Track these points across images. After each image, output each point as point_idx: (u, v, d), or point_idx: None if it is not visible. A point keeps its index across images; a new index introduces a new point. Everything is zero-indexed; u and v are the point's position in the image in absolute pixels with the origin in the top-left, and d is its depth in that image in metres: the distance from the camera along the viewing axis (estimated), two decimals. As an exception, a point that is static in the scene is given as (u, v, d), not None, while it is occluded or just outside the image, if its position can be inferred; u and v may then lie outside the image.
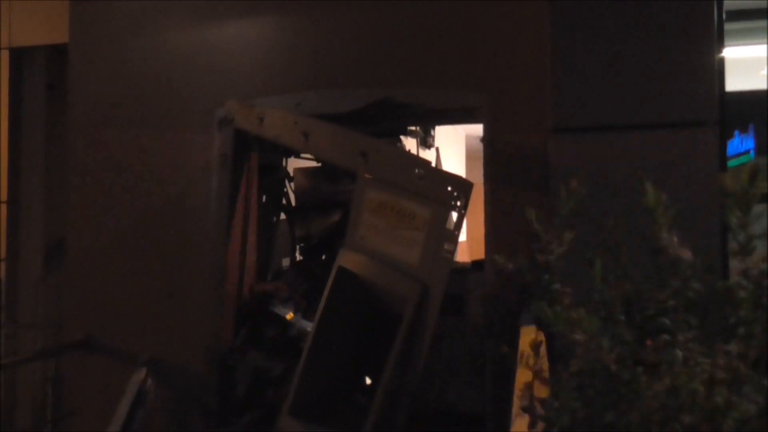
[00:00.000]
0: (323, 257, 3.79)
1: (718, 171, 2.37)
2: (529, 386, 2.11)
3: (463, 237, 7.76)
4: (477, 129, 3.12)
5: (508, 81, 2.97)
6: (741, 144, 4.11)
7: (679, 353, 1.48)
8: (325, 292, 2.62)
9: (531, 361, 1.91)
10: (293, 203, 3.87)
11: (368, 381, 3.04)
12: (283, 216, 3.85)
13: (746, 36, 4.06)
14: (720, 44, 2.55)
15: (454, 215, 2.40)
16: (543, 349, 2.12)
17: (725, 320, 1.47)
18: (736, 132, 4.09)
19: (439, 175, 2.51)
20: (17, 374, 4.63)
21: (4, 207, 4.79)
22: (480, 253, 3.09)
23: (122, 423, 3.10)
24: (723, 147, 2.48)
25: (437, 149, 6.15)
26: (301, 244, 3.85)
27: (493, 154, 2.95)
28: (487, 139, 2.97)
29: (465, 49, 3.07)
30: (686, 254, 1.59)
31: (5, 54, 4.87)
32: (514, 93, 2.95)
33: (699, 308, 1.53)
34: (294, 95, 3.25)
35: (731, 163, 3.90)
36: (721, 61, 2.55)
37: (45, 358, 3.91)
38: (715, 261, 1.61)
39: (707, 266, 1.57)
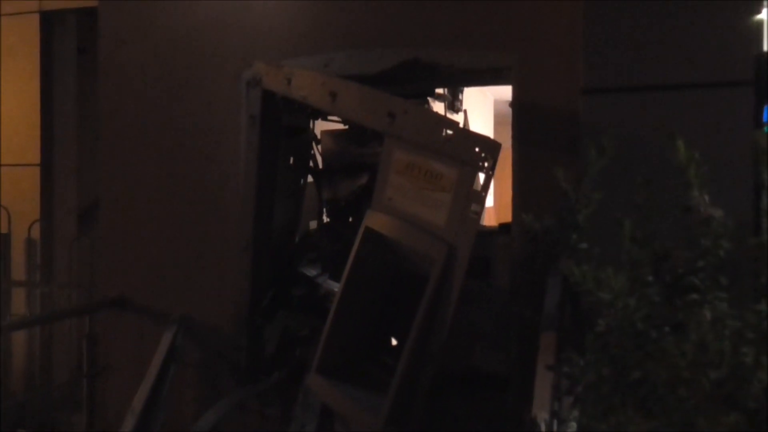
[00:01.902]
0: (350, 219, 3.81)
1: (752, 131, 2.32)
2: (554, 346, 2.12)
3: (490, 203, 7.73)
4: (506, 93, 3.07)
5: (537, 41, 2.92)
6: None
7: (707, 312, 1.48)
8: (352, 253, 2.64)
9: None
10: (320, 166, 3.89)
11: (394, 341, 3.07)
12: (310, 179, 3.86)
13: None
14: (758, 3, 2.47)
15: (482, 176, 2.39)
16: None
17: (756, 279, 1.46)
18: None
19: (466, 136, 2.48)
20: (54, 331, 4.78)
21: (37, 170, 4.89)
22: (508, 218, 3.08)
23: (154, 379, 3.20)
24: (759, 107, 2.43)
25: (465, 112, 6.10)
26: (329, 207, 3.88)
27: (522, 114, 2.92)
28: (515, 100, 2.94)
29: (494, 8, 3.01)
30: (717, 213, 1.58)
31: (36, 18, 4.91)
32: (544, 53, 2.89)
33: (729, 267, 1.51)
34: (322, 56, 3.23)
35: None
36: (759, 20, 2.48)
37: (79, 316, 4.02)
38: (747, 220, 1.59)
39: (738, 225, 1.55)
